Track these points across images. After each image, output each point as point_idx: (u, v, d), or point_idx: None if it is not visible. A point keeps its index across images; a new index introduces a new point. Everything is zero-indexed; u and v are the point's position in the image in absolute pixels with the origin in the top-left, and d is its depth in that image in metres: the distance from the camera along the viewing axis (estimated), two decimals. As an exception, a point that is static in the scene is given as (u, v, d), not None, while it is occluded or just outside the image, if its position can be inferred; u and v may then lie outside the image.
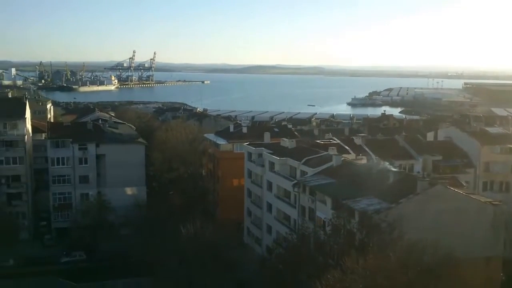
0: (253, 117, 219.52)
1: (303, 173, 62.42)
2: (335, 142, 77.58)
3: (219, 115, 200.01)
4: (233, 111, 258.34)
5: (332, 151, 64.98)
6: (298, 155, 66.43)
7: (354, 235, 46.31)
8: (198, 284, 54.98)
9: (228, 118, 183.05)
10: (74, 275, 72.08)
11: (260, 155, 73.65)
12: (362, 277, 37.81)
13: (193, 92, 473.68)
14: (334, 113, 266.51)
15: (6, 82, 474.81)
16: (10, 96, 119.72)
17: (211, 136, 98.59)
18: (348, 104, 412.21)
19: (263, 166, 72.10)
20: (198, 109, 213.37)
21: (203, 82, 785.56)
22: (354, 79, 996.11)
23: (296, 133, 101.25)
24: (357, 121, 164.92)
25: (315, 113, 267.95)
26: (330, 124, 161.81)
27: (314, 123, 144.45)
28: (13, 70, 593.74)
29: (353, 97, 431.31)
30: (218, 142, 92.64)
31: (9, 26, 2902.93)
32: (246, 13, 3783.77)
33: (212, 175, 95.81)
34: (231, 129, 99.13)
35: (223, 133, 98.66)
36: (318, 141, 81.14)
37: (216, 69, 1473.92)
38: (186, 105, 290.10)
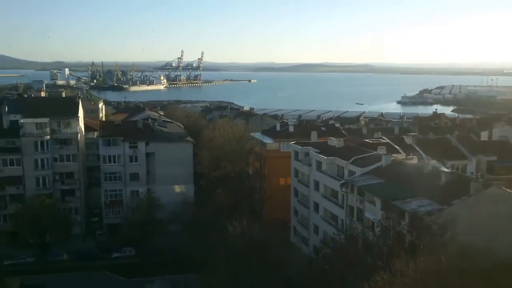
0: (299, 116, 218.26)
1: (351, 172, 61.45)
2: (384, 141, 75.91)
3: (266, 113, 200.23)
4: (279, 110, 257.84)
5: (381, 150, 63.62)
6: (346, 154, 65.46)
7: (404, 236, 45.10)
8: (244, 282, 55.09)
9: (275, 116, 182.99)
10: (124, 270, 74.21)
11: (307, 154, 73.07)
12: (412, 280, 36.73)
13: (240, 91, 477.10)
14: (383, 112, 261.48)
15: (60, 82, 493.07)
16: (64, 95, 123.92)
17: (257, 135, 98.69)
18: (398, 102, 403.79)
19: (310, 165, 71.49)
20: (244, 108, 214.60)
21: (249, 81, 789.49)
22: (405, 77, 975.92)
23: (343, 132, 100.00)
24: (407, 120, 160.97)
25: (364, 112, 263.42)
26: (379, 123, 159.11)
27: (363, 122, 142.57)
28: (67, 71, 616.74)
29: (403, 95, 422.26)
30: (265, 141, 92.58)
31: (63, 28, 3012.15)
32: (293, 11, 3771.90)
33: (258, 174, 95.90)
34: (278, 128, 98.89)
35: (270, 132, 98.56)
36: (366, 140, 79.61)
37: (263, 67, 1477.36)
38: (233, 104, 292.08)
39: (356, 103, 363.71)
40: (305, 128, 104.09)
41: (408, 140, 77.58)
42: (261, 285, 53.47)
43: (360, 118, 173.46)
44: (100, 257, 79.18)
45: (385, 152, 62.56)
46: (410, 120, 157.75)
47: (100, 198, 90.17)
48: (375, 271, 41.17)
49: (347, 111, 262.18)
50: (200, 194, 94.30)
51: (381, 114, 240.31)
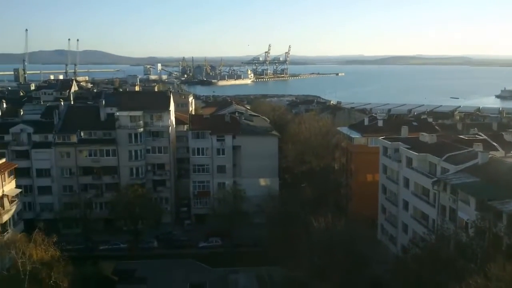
0: (389, 110, 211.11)
1: (444, 170, 58.39)
2: (481, 137, 71.50)
3: (354, 108, 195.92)
4: (368, 104, 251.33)
5: (478, 147, 59.86)
6: (439, 151, 62.33)
7: (501, 239, 42.36)
8: (329, 278, 54.33)
9: (363, 111, 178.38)
10: (209, 259, 76.09)
11: (396, 150, 70.58)
12: (509, 286, 34.28)
13: (327, 84, 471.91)
14: (481, 106, 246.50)
15: (153, 77, 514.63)
16: (156, 90, 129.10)
17: (344, 129, 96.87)
18: (497, 96, 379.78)
19: (399, 161, 68.99)
20: (331, 102, 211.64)
21: (337, 74, 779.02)
22: (505, 70, 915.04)
23: (436, 127, 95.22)
24: (507, 115, 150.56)
25: (459, 106, 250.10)
26: (476, 118, 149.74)
27: (458, 117, 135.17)
28: (159, 66, 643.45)
29: (503, 88, 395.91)
30: (352, 135, 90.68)
31: (156, 25, 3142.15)
32: (383, 2, 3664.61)
33: (344, 169, 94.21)
34: (366, 122, 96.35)
35: (357, 127, 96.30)
36: (461, 136, 75.39)
37: (351, 60, 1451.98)
38: (320, 97, 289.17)
39: (451, 97, 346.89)
40: (395, 123, 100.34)
41: (508, 137, 72.44)
42: (346, 282, 52.48)
43: (455, 113, 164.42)
44: (187, 246, 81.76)
45: (481, 149, 58.80)
46: (510, 115, 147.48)
47: (189, 189, 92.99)
48: (468, 274, 39.02)
49: (441, 106, 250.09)
50: (285, 188, 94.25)
51: (478, 109, 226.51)
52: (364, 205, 79.85)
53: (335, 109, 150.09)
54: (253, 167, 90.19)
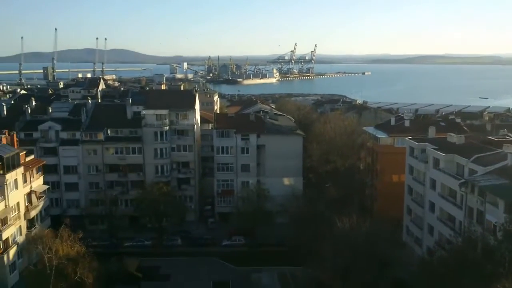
0: (416, 110, 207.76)
1: (472, 171, 57.15)
2: (511, 138, 69.71)
3: (380, 107, 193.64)
4: (395, 104, 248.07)
5: (508, 148, 58.31)
6: (467, 152, 61.02)
7: (531, 243, 41.01)
8: (352, 279, 53.81)
9: (389, 110, 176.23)
10: (233, 258, 76.19)
11: (423, 150, 69.44)
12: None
13: (353, 83, 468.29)
14: (511, 107, 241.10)
15: (178, 76, 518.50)
16: (182, 88, 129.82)
17: (370, 129, 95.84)
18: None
19: (426, 162, 67.85)
20: (357, 101, 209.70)
21: (363, 73, 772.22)
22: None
23: (465, 128, 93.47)
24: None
25: (488, 107, 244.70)
26: (506, 119, 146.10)
27: (487, 118, 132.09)
28: (185, 65, 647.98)
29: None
30: (378, 135, 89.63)
31: (182, 24, 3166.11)
32: (410, 0, 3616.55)
33: (370, 170, 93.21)
34: (392, 122, 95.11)
35: (384, 126, 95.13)
36: (490, 137, 73.67)
37: (378, 59, 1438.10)
38: (345, 97, 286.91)
39: (480, 97, 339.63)
40: (422, 123, 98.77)
41: (539, 138, 70.45)
42: (370, 284, 51.91)
43: (484, 113, 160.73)
44: (211, 244, 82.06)
45: (511, 151, 57.31)
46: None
47: (213, 187, 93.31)
48: (496, 278, 38.11)
49: (469, 106, 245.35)
50: (309, 187, 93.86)
51: (508, 110, 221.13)
52: (389, 206, 78.85)
53: (361, 109, 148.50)
54: (277, 166, 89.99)
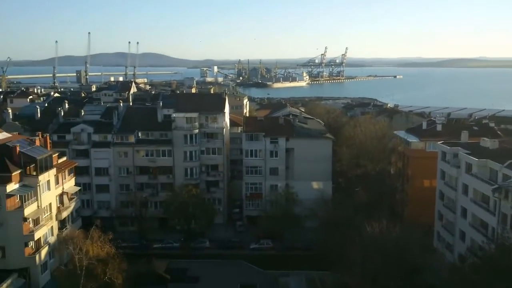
0: (449, 114, 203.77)
1: (506, 177, 55.59)
2: (548, 143, 67.60)
3: (411, 111, 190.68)
4: (426, 107, 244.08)
5: (544, 153, 56.61)
6: (501, 157, 59.42)
7: None
8: (382, 285, 53.02)
9: (421, 114, 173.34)
10: (260, 261, 76.04)
11: (455, 155, 67.95)
12: None
13: (384, 87, 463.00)
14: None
15: (209, 79, 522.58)
16: (212, 92, 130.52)
17: (401, 133, 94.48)
18: None
19: (458, 167, 66.38)
20: (388, 105, 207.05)
21: (395, 76, 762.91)
22: None
23: (499, 132, 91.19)
24: None
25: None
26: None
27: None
28: (215, 68, 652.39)
29: None
30: (409, 139, 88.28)
31: (213, 29, 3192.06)
32: (442, 2, 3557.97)
33: (401, 174, 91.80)
34: (424, 126, 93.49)
35: (415, 130, 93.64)
36: (526, 142, 71.62)
37: (410, 63, 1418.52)
38: (376, 100, 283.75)
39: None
40: (455, 127, 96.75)
41: None
42: (399, 289, 51.09)
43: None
44: (239, 247, 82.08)
45: (548, 156, 55.56)
46: None
47: (241, 190, 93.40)
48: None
49: (504, 110, 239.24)
50: (338, 191, 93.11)
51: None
52: (420, 211, 77.40)
53: (392, 112, 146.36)
54: (306, 170, 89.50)
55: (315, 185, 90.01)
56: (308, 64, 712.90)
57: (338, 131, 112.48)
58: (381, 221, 60.79)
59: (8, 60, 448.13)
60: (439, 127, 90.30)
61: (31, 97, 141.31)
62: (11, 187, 56.42)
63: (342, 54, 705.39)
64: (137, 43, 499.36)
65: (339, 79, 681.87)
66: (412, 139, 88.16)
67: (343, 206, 75.65)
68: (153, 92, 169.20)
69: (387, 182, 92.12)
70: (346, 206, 74.92)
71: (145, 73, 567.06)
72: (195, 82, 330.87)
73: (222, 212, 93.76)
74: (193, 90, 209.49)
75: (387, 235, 58.22)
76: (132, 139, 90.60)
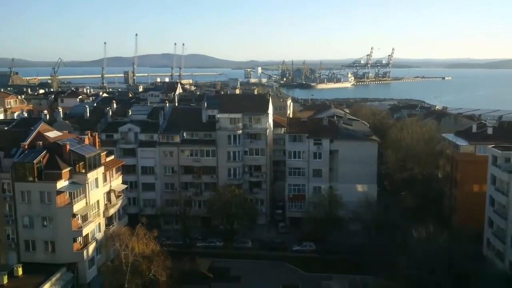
0: (500, 117, 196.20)
1: None
2: None
3: (460, 113, 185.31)
4: (477, 110, 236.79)
5: None
6: (557, 161, 56.83)
7: None
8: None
9: (471, 117, 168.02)
10: (303, 264, 75.53)
11: (507, 159, 65.55)
12: None
13: (432, 88, 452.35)
14: None
15: (252, 80, 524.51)
16: (256, 93, 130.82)
17: (450, 136, 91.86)
18: None
19: (510, 172, 63.90)
20: (436, 107, 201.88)
21: (443, 78, 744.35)
22: None
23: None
24: None
25: None
26: None
27: None
28: (259, 69, 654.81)
29: None
30: (458, 143, 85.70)
31: (257, 31, 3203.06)
32: (491, 2, 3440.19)
33: (449, 178, 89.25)
34: (474, 129, 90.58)
35: (464, 134, 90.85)
36: None
37: (459, 64, 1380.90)
38: (424, 102, 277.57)
39: None
40: (507, 130, 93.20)
41: None
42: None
43: None
44: (281, 248, 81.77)
45: None
46: None
47: (284, 191, 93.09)
48: None
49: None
50: (383, 195, 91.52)
51: None
52: (469, 217, 75.01)
53: (440, 115, 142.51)
54: (350, 172, 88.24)
55: (359, 187, 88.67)
56: (354, 65, 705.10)
57: (383, 133, 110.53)
58: (428, 226, 59.39)
59: (59, 61, 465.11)
60: (489, 130, 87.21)
61: (80, 97, 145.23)
62: (61, 184, 58.33)
63: (389, 55, 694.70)
64: (183, 44, 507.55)
65: (385, 80, 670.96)
66: (461, 142, 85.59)
67: (388, 210, 74.33)
68: (198, 93, 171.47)
69: (435, 186, 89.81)
70: (392, 210, 73.60)
71: (190, 74, 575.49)
72: (239, 83, 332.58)
73: (265, 213, 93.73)
74: (237, 91, 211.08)
75: (434, 240, 56.79)
76: (177, 139, 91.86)
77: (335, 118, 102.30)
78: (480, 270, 56.66)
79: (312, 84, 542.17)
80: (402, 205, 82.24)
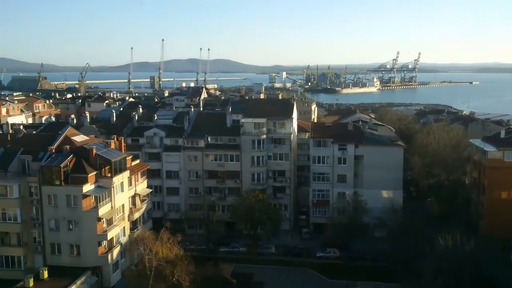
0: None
1: None
2: None
3: (488, 119, 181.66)
4: (505, 115, 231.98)
5: None
6: None
7: None
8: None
9: (499, 122, 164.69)
10: (326, 270, 74.86)
11: (537, 165, 63.80)
12: None
13: (459, 93, 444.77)
14: None
15: (277, 85, 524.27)
16: (280, 97, 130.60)
17: (477, 142, 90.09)
18: None
19: (541, 178, 62.27)
20: (464, 112, 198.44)
21: (471, 83, 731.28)
22: None
23: None
24: None
25: None
26: None
27: None
28: (284, 74, 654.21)
29: None
30: (486, 148, 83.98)
31: (281, 35, 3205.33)
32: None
33: (476, 185, 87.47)
34: (502, 135, 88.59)
35: (492, 139, 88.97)
36: None
37: (487, 68, 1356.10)
38: (451, 107, 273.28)
39: None
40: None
41: None
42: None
43: None
44: (304, 255, 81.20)
45: None
46: None
47: (308, 197, 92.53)
48: None
49: None
50: (409, 201, 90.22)
51: None
52: (498, 225, 73.47)
53: (468, 120, 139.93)
54: (375, 178, 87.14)
55: (384, 193, 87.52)
56: (379, 69, 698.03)
57: (410, 138, 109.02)
58: (454, 233, 58.25)
59: (87, 66, 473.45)
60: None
61: (107, 101, 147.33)
62: (87, 187, 59.06)
63: (415, 60, 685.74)
64: (208, 49, 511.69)
65: (411, 85, 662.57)
66: (489, 148, 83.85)
67: (414, 216, 73.18)
68: (222, 98, 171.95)
69: (462, 192, 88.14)
70: (417, 216, 72.44)
71: (215, 79, 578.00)
72: (263, 88, 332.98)
73: (288, 219, 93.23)
74: (262, 96, 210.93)
75: (461, 248, 55.70)
76: (201, 143, 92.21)
77: (360, 123, 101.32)
78: (508, 277, 55.34)
79: (337, 88, 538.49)
80: (428, 211, 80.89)
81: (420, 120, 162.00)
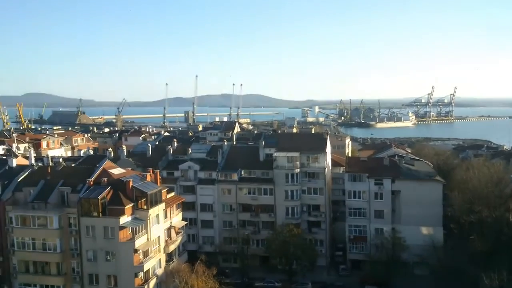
0: None
1: None
2: None
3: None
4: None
5: None
6: None
7: None
8: None
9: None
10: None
11: None
12: None
13: (499, 128, 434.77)
14: None
15: (310, 119, 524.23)
16: (313, 131, 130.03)
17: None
18: None
19: None
20: (504, 147, 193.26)
21: (510, 117, 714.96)
22: None
23: None
24: None
25: None
26: None
27: None
28: (317, 108, 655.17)
29: None
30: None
31: (314, 71, 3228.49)
32: None
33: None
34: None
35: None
36: None
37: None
38: (490, 142, 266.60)
39: None
40: None
41: None
42: None
43: None
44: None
45: None
46: None
47: (344, 232, 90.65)
48: None
49: None
50: (450, 238, 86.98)
51: None
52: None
53: (509, 155, 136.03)
54: (413, 214, 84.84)
55: (424, 230, 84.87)
56: (414, 103, 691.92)
57: (448, 174, 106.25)
58: (500, 272, 55.61)
59: (124, 101, 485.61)
60: None
61: (143, 135, 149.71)
62: (124, 219, 59.39)
63: (451, 94, 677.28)
64: (241, 85, 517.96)
65: (448, 119, 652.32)
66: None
67: (456, 254, 70.45)
68: (255, 132, 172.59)
69: (506, 230, 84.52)
70: (460, 255, 69.70)
71: (248, 113, 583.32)
72: (296, 122, 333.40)
73: (324, 254, 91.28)
74: (295, 130, 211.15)
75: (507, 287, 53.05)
76: (235, 177, 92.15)
77: (396, 157, 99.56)
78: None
79: (371, 123, 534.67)
80: (471, 249, 77.83)
81: (458, 155, 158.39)
